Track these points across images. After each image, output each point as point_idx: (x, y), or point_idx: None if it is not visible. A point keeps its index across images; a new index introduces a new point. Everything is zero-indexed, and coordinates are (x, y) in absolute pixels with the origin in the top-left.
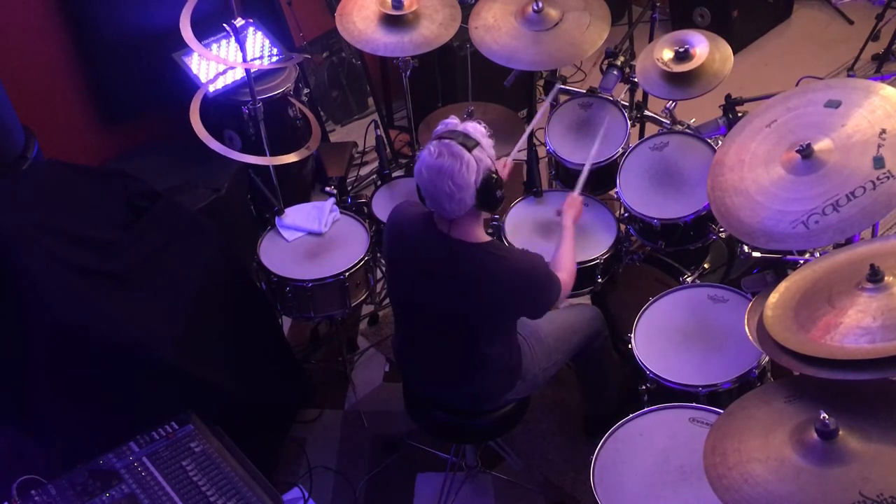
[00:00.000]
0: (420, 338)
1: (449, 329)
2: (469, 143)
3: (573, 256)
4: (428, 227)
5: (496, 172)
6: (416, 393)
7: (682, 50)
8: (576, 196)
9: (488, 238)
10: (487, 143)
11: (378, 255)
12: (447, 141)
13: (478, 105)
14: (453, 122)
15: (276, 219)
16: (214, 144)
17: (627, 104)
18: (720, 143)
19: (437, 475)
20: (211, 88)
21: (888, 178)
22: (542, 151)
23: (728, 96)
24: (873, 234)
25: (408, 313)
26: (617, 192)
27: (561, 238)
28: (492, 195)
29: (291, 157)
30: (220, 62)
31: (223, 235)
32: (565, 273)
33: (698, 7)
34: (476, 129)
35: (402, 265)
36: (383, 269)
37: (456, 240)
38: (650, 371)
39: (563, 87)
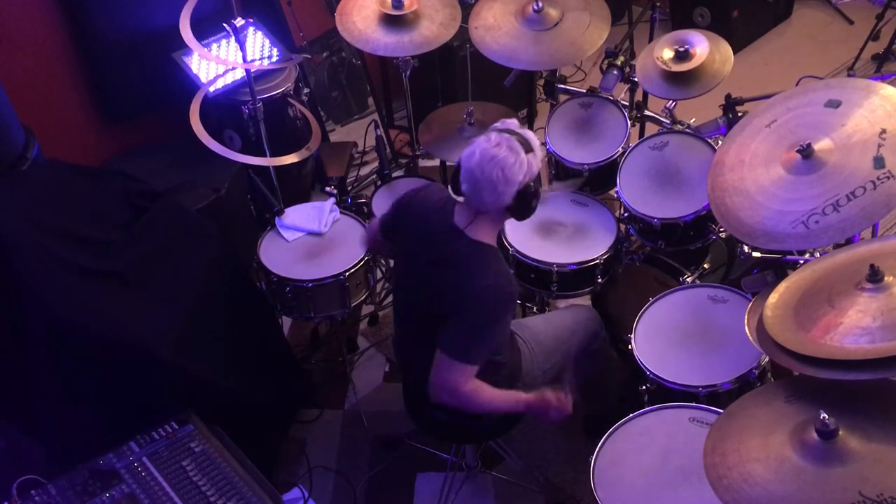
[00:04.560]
0: (417, 335)
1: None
2: (527, 145)
3: (499, 405)
4: (445, 216)
5: (535, 184)
6: (414, 391)
7: (682, 50)
8: (567, 403)
9: (494, 245)
10: (540, 154)
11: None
12: (508, 136)
13: (478, 105)
14: (514, 122)
15: (276, 219)
16: (214, 145)
17: (627, 104)
18: (720, 142)
19: (437, 475)
20: (211, 89)
21: (888, 178)
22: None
23: (728, 96)
24: (873, 234)
25: (404, 303)
26: (617, 192)
27: (515, 393)
28: (528, 202)
29: (291, 159)
30: (220, 62)
31: (223, 235)
32: (486, 395)
33: (698, 7)
34: (534, 138)
35: (408, 249)
36: (383, 269)
37: (467, 236)
38: (650, 371)
39: (563, 87)
